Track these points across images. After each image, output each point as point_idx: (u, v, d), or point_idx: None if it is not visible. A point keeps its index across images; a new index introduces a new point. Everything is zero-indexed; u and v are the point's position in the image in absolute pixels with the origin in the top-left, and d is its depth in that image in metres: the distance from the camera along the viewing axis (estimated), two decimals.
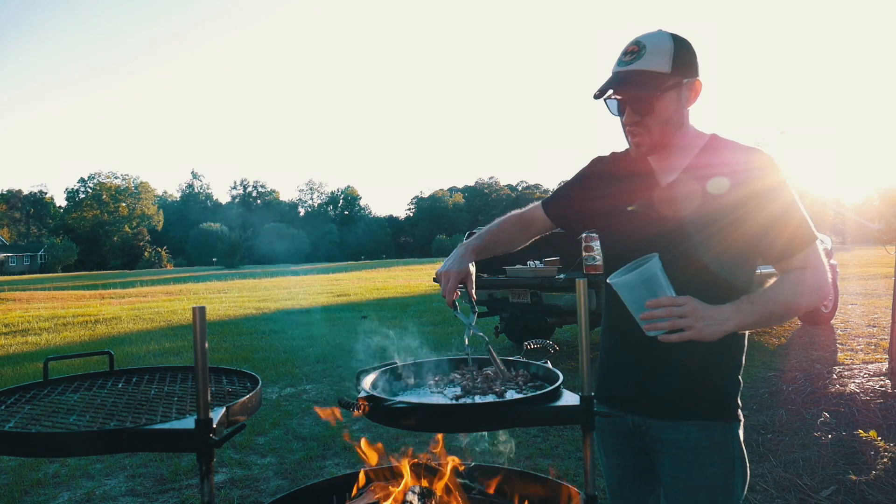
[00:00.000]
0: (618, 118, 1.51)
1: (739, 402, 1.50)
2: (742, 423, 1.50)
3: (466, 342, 1.61)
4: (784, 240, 1.39)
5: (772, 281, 1.43)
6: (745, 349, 1.52)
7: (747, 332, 1.52)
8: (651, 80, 1.40)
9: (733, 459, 1.46)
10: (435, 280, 1.61)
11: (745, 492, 1.49)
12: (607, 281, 1.41)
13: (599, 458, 1.71)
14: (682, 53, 1.42)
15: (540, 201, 1.80)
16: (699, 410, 1.46)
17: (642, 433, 1.53)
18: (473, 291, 1.63)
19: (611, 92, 1.46)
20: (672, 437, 1.47)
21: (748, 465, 1.50)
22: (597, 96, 1.48)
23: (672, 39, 1.43)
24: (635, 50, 1.43)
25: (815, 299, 1.39)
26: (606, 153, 1.71)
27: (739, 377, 1.51)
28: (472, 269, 1.63)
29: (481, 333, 1.61)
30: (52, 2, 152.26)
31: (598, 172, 1.68)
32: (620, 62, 1.45)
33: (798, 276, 1.39)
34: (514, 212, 1.82)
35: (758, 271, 1.50)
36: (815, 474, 3.39)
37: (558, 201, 1.76)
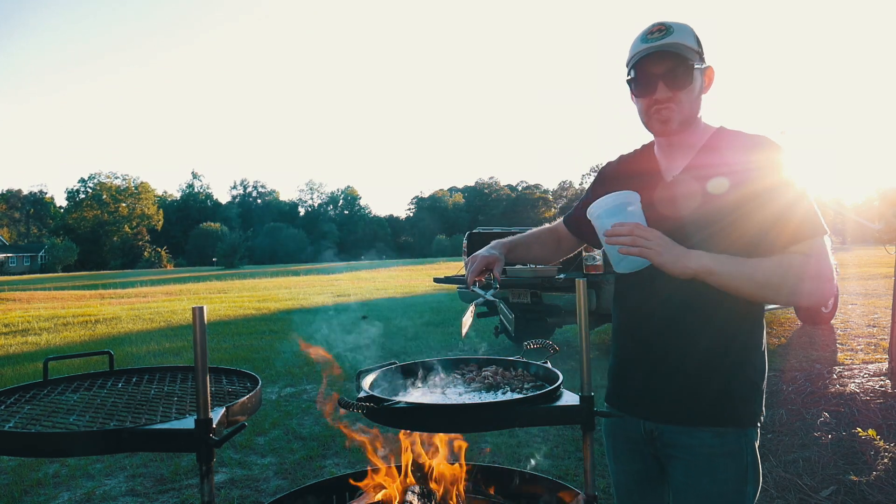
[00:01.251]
0: (636, 103, 1.49)
1: (762, 409, 1.46)
2: (759, 430, 1.46)
3: (473, 306, 1.64)
4: (789, 229, 1.33)
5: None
6: (766, 357, 1.48)
7: (765, 342, 1.48)
8: (687, 53, 1.40)
9: (746, 466, 1.43)
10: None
11: (757, 497, 1.46)
12: (587, 214, 1.42)
13: (609, 464, 1.69)
14: (699, 39, 1.46)
15: (563, 217, 1.85)
16: (714, 416, 1.43)
17: (654, 438, 1.51)
18: (499, 274, 1.65)
19: (632, 73, 1.45)
20: (685, 442, 1.45)
21: (761, 470, 1.47)
22: (630, 65, 1.45)
23: (690, 26, 1.46)
24: (662, 28, 1.43)
25: (809, 289, 1.29)
26: (615, 157, 1.72)
27: (760, 384, 1.45)
28: (502, 257, 1.66)
29: (494, 299, 1.63)
30: (53, 3, 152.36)
31: (608, 177, 1.69)
32: (646, 39, 1.43)
33: (800, 259, 1.31)
34: (545, 226, 1.87)
35: None
36: (815, 474, 3.39)
37: (574, 215, 1.79)
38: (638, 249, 1.31)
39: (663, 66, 1.40)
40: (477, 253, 1.67)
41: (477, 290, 1.64)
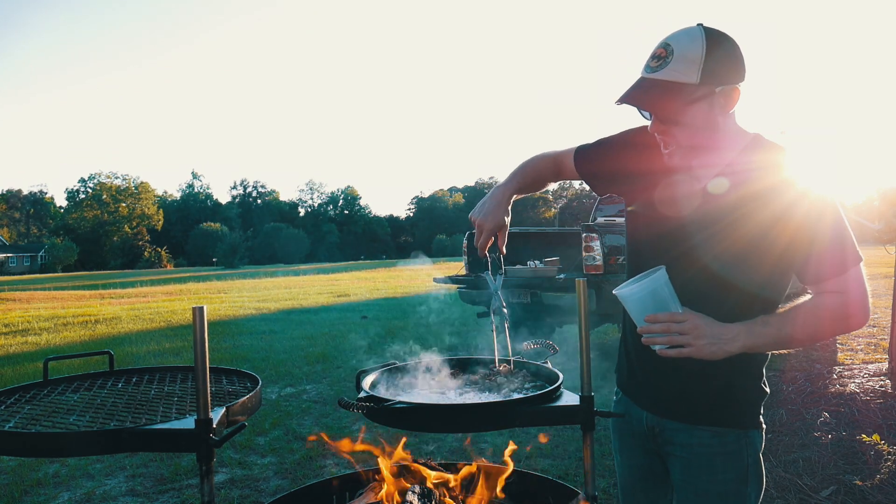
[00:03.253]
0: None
1: (762, 409, 1.45)
2: (763, 431, 1.46)
3: (493, 315, 1.59)
4: (820, 262, 1.28)
5: (799, 300, 1.34)
6: (767, 359, 1.46)
7: None
8: (674, 92, 1.29)
9: (746, 467, 1.42)
10: (470, 222, 1.59)
11: (760, 499, 1.45)
12: (613, 292, 1.36)
13: (615, 458, 1.70)
14: (715, 59, 1.28)
15: (574, 149, 1.68)
16: (714, 417, 1.42)
17: (656, 434, 1.51)
18: (504, 247, 1.59)
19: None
20: (685, 440, 1.45)
21: (764, 472, 1.46)
22: (618, 103, 1.37)
23: (704, 43, 1.28)
24: (662, 54, 1.31)
25: (845, 327, 1.32)
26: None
27: (763, 386, 1.45)
28: (508, 220, 1.58)
29: (505, 310, 1.59)
30: (53, 3, 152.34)
31: (641, 142, 1.52)
32: (647, 67, 1.34)
33: (830, 301, 1.29)
34: (547, 153, 1.72)
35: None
36: (815, 474, 3.39)
37: (591, 159, 1.63)
38: (676, 351, 1.28)
39: (649, 104, 1.34)
40: (484, 217, 1.55)
41: (488, 278, 1.59)
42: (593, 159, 1.63)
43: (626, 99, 1.36)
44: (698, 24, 1.33)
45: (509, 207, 1.59)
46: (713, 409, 1.42)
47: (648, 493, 1.61)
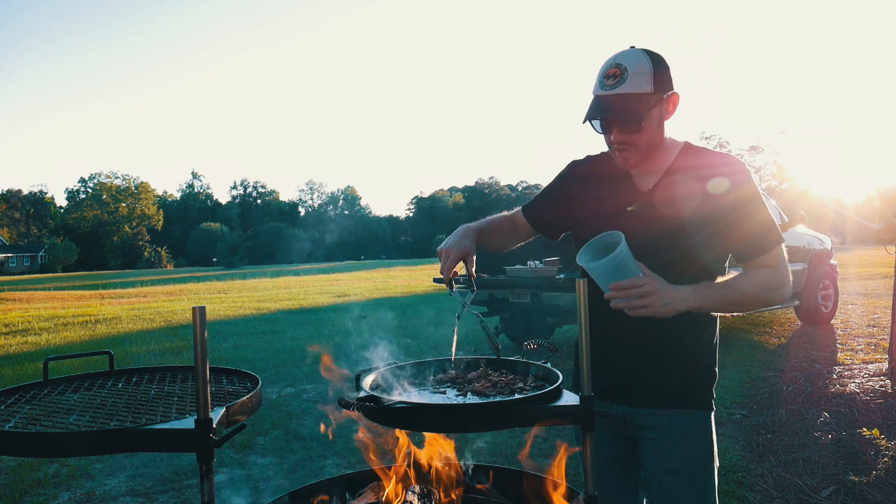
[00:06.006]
0: (601, 135, 1.57)
1: (714, 392, 1.62)
2: (714, 413, 1.61)
3: (457, 321, 1.63)
4: (753, 241, 1.50)
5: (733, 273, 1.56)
6: (718, 341, 1.64)
7: (718, 326, 1.63)
8: (637, 102, 1.46)
9: (711, 445, 1.57)
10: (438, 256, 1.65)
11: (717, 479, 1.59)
12: (577, 262, 1.45)
13: (581, 448, 1.74)
14: (659, 71, 1.48)
15: (520, 209, 1.84)
16: (682, 399, 1.57)
17: (628, 422, 1.62)
18: (473, 270, 1.65)
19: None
20: (657, 423, 1.57)
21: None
22: (587, 121, 1.53)
23: (649, 58, 1.48)
24: (617, 73, 1.47)
25: (775, 296, 1.50)
26: (581, 157, 1.77)
27: (715, 369, 1.62)
28: (474, 247, 1.65)
29: (476, 312, 1.62)
30: (51, 2, 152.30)
31: (577, 176, 1.73)
32: (603, 86, 1.49)
33: (762, 273, 1.50)
34: (503, 213, 1.86)
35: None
36: (815, 474, 3.39)
37: (537, 208, 1.80)
38: (635, 312, 1.42)
39: (617, 116, 1.48)
40: (448, 244, 1.62)
41: (455, 294, 1.63)
42: (541, 208, 1.79)
43: (595, 115, 1.50)
44: (632, 46, 1.52)
45: (474, 240, 1.66)
46: (681, 392, 1.57)
47: (617, 479, 1.70)
